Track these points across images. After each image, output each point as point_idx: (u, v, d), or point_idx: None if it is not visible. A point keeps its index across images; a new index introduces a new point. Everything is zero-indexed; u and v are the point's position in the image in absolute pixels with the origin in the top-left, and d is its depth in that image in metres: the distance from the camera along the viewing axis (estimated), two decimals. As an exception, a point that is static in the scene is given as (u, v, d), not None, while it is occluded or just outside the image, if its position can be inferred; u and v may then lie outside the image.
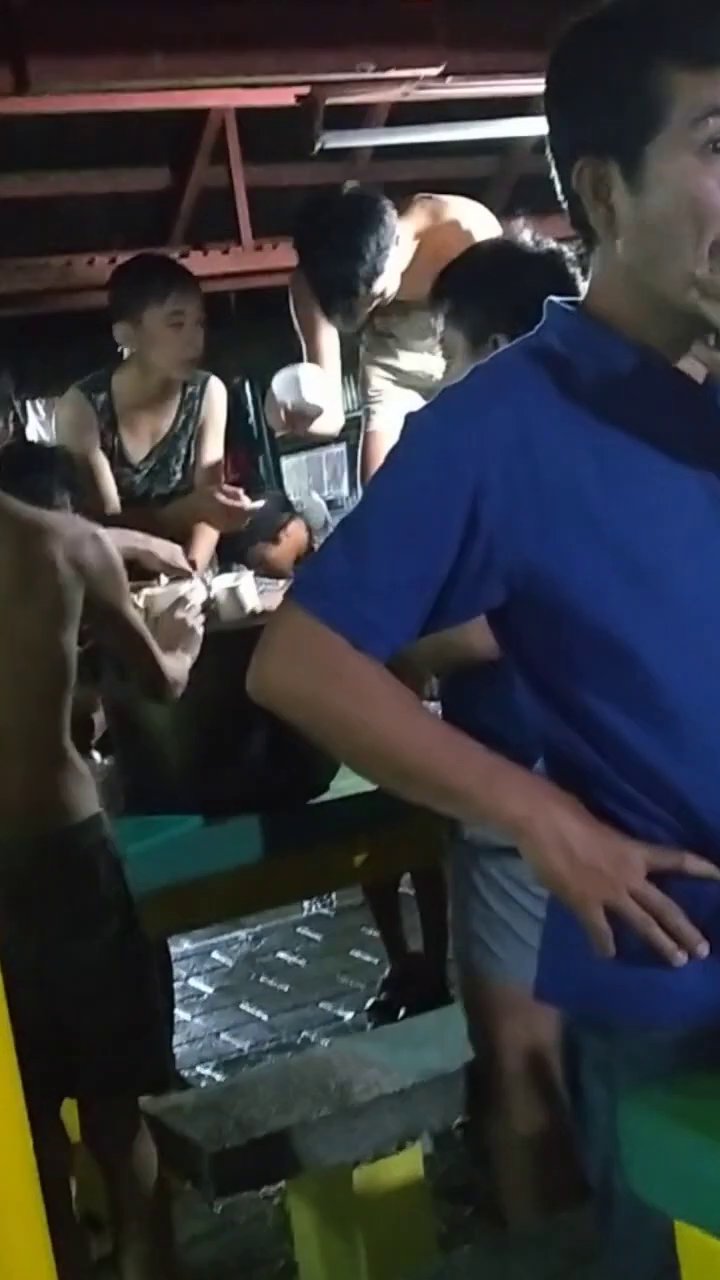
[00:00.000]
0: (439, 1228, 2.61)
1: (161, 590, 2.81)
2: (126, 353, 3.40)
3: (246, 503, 3.37)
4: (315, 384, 3.29)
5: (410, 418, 1.40)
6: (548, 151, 1.36)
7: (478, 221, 3.28)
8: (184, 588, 2.81)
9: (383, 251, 3.10)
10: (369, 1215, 2.35)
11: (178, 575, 3.03)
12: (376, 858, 3.30)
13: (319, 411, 3.29)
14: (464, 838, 2.16)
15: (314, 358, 3.41)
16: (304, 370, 3.30)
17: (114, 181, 5.39)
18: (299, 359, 3.44)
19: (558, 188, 1.36)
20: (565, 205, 1.36)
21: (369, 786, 2.85)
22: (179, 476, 3.51)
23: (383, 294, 3.19)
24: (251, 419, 7.90)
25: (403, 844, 3.26)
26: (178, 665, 2.57)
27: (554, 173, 1.36)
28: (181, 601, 2.71)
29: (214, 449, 3.51)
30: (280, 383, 3.30)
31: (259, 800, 2.89)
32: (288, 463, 7.96)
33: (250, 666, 1.36)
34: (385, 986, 3.95)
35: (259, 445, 7.66)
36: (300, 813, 2.97)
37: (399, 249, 3.17)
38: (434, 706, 2.28)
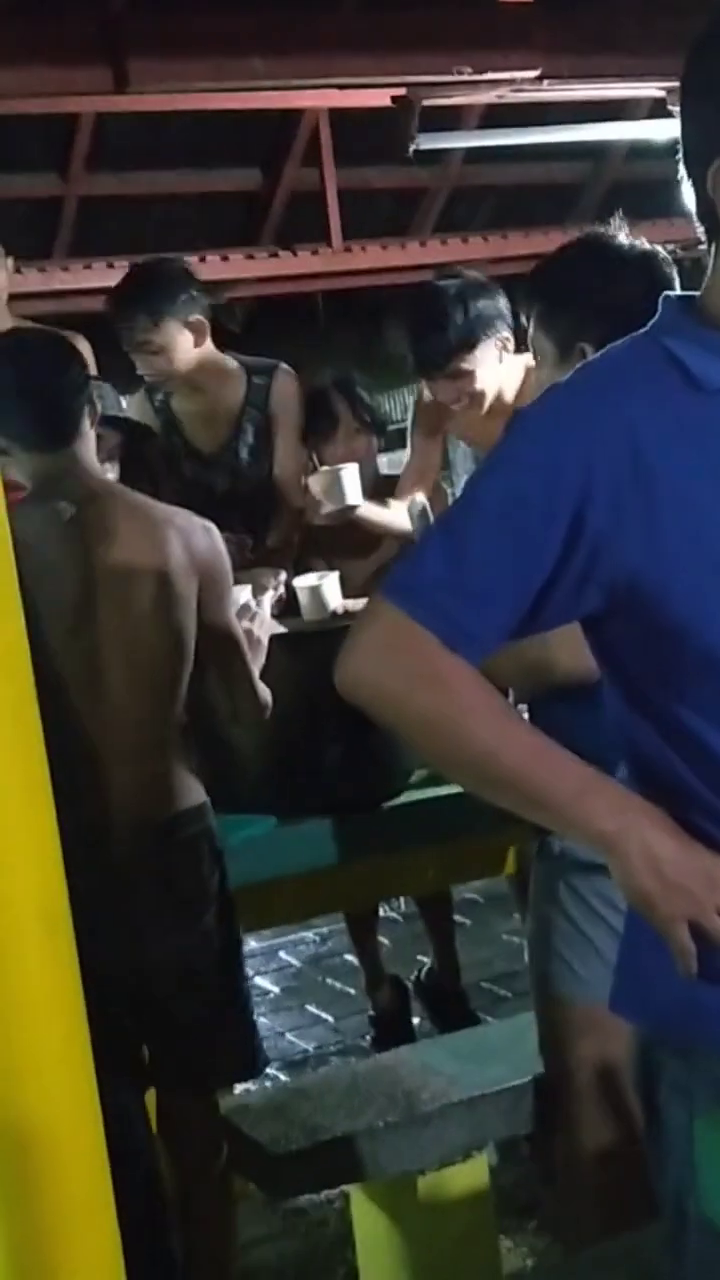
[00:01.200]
0: (501, 1240, 2.59)
1: (315, 580, 2.77)
2: None
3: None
4: (356, 485, 3.25)
5: (517, 417, 1.36)
6: (680, 145, 1.32)
7: None
8: (243, 594, 2.71)
9: (481, 319, 3.01)
10: (433, 1224, 2.33)
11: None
12: (448, 865, 3.28)
13: (356, 509, 3.27)
14: (554, 852, 2.12)
15: (413, 468, 3.40)
16: (346, 473, 3.25)
17: (205, 182, 5.41)
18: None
19: (685, 183, 1.32)
20: (694, 201, 1.31)
21: (443, 792, 2.89)
22: (250, 468, 3.46)
23: (472, 377, 3.04)
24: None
25: (476, 852, 3.24)
26: (263, 687, 2.54)
27: (682, 167, 1.31)
28: (245, 609, 2.65)
29: (289, 442, 3.45)
30: (322, 484, 3.24)
31: (334, 803, 2.88)
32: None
33: (339, 663, 1.34)
34: (374, 1024, 3.89)
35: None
36: (374, 817, 2.96)
37: (505, 363, 3.06)
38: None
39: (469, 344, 3.01)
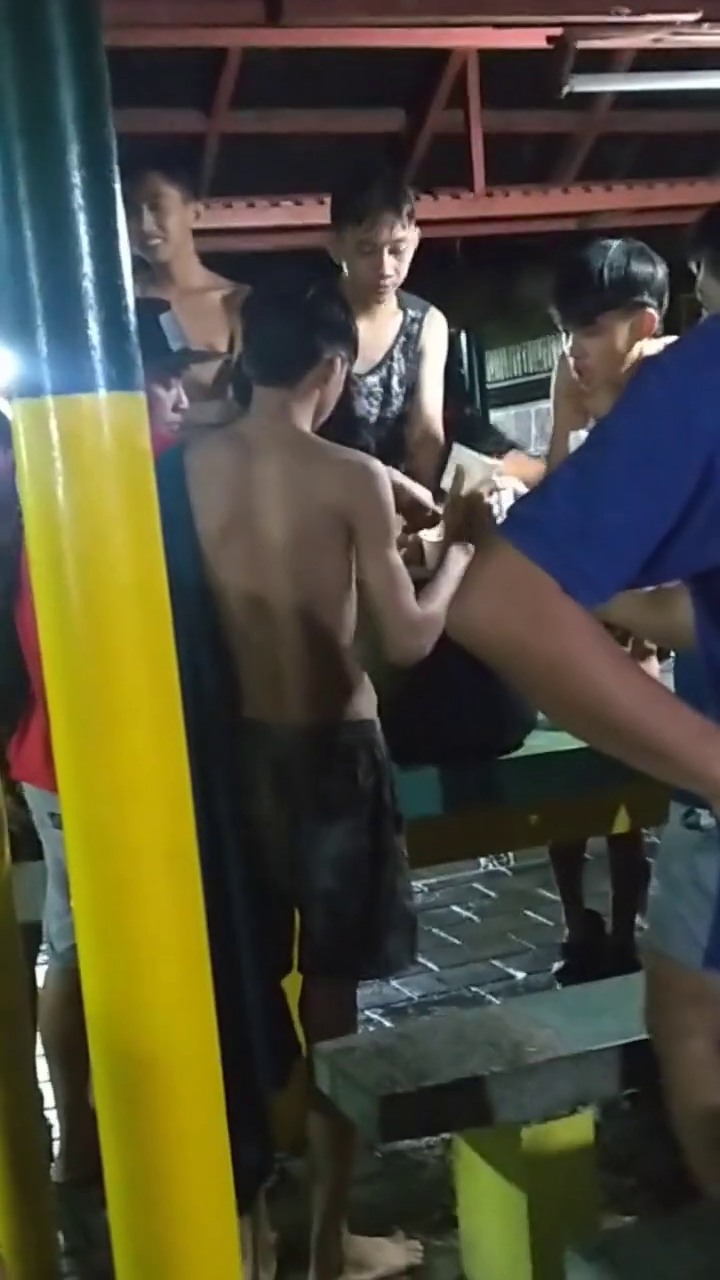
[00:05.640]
0: (600, 1197, 2.58)
1: (437, 536, 2.80)
2: (346, 270, 3.38)
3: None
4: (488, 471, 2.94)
5: (652, 361, 1.34)
6: None
7: None
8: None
9: (637, 284, 2.89)
10: (535, 1177, 2.33)
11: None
12: (561, 821, 3.26)
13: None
14: (700, 824, 2.10)
15: (562, 447, 3.26)
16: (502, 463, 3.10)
17: (348, 122, 5.33)
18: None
19: None
20: None
21: (560, 747, 2.86)
22: (397, 396, 3.50)
23: (612, 339, 2.93)
24: (464, 369, 7.85)
25: (589, 810, 3.22)
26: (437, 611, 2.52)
27: None
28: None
29: (435, 376, 3.51)
30: (467, 461, 2.93)
31: (449, 753, 2.88)
32: (497, 415, 7.90)
33: (453, 601, 1.31)
34: (565, 953, 3.94)
35: (469, 396, 7.62)
36: (490, 768, 2.95)
37: (646, 339, 2.94)
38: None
39: (618, 304, 2.90)
